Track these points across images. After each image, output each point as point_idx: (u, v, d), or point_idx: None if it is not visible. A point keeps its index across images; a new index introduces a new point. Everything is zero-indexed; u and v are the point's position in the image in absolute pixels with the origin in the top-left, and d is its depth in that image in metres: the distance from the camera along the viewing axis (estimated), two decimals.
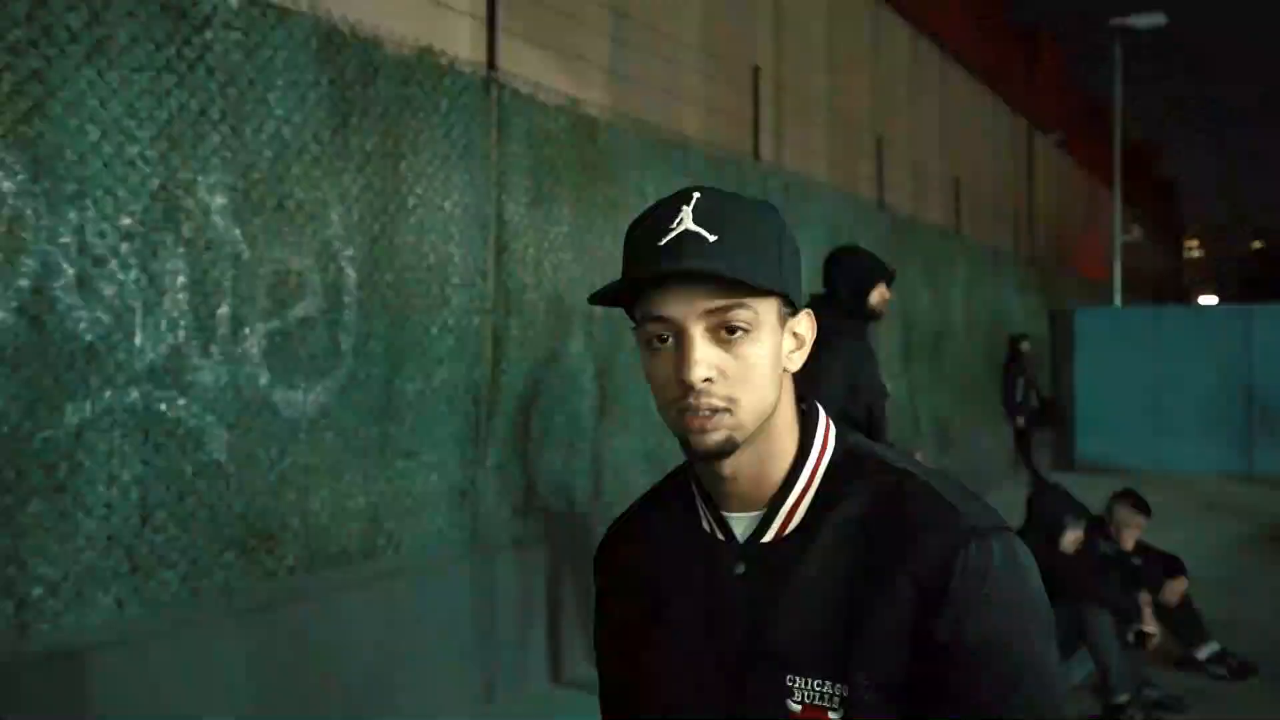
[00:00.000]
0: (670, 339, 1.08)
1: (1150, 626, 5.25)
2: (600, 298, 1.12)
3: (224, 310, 3.71)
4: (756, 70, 7.69)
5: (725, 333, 1.07)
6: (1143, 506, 5.73)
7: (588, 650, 5.45)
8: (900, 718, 1.05)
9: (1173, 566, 5.70)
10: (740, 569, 1.14)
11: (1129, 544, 5.63)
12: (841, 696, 1.07)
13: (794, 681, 1.09)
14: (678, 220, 1.08)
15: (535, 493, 5.23)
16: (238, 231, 3.76)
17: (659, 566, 1.21)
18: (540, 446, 5.29)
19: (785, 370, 1.14)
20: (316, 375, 4.08)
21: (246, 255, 3.79)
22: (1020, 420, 12.48)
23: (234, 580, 3.74)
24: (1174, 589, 5.61)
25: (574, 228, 5.45)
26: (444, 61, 4.64)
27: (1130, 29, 16.04)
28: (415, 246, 4.51)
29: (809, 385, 3.88)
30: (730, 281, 1.06)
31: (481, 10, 5.12)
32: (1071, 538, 5.14)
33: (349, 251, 4.21)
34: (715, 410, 1.07)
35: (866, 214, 9.01)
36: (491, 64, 5.02)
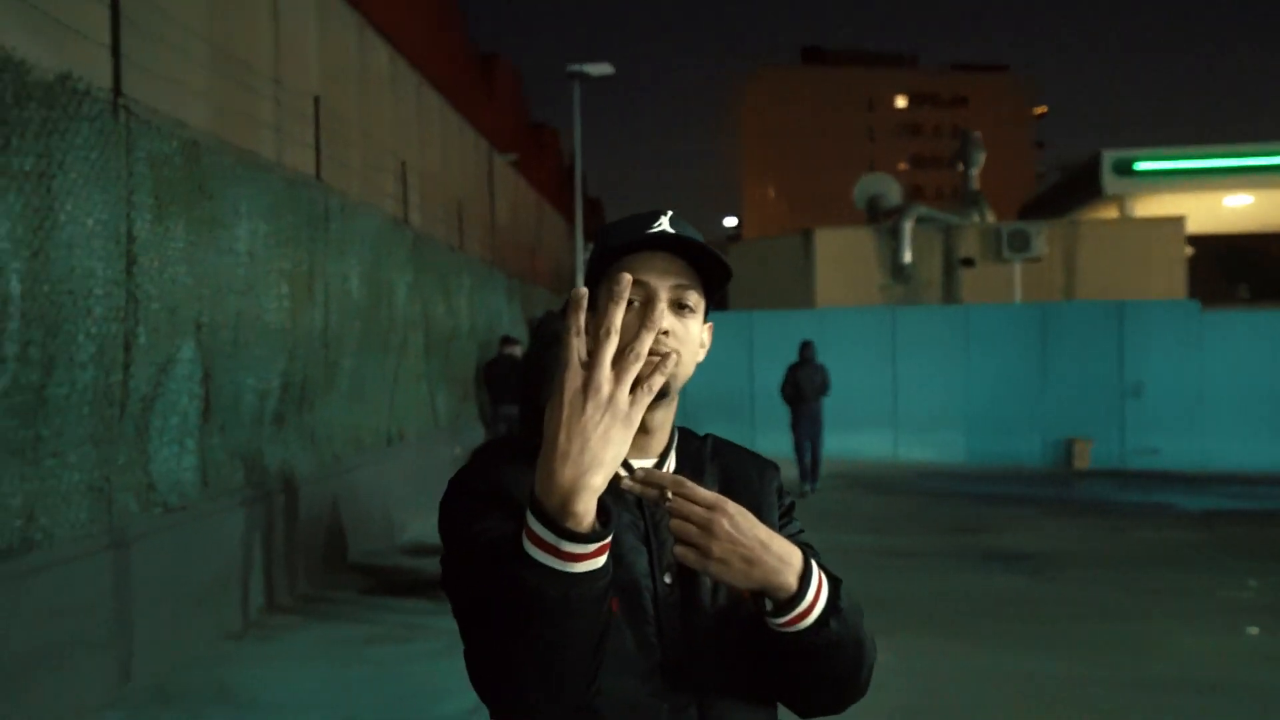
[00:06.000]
0: (637, 303, 1.39)
1: None
2: (594, 262, 1.45)
3: None
4: (317, 100, 8.39)
5: (677, 307, 1.42)
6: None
7: (208, 637, 5.97)
8: None
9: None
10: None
11: None
12: None
13: None
14: (658, 222, 1.43)
15: (154, 489, 5.64)
16: None
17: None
18: (159, 445, 5.71)
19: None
20: None
21: None
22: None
23: None
24: None
25: (186, 243, 5.92)
26: (80, 86, 4.96)
27: (585, 74, 18.64)
28: (66, 259, 4.81)
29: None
30: (692, 268, 1.43)
31: (107, 37, 5.43)
32: None
33: (15, 264, 4.46)
34: (665, 354, 1.34)
35: (396, 231, 10.03)
36: (118, 90, 5.36)
